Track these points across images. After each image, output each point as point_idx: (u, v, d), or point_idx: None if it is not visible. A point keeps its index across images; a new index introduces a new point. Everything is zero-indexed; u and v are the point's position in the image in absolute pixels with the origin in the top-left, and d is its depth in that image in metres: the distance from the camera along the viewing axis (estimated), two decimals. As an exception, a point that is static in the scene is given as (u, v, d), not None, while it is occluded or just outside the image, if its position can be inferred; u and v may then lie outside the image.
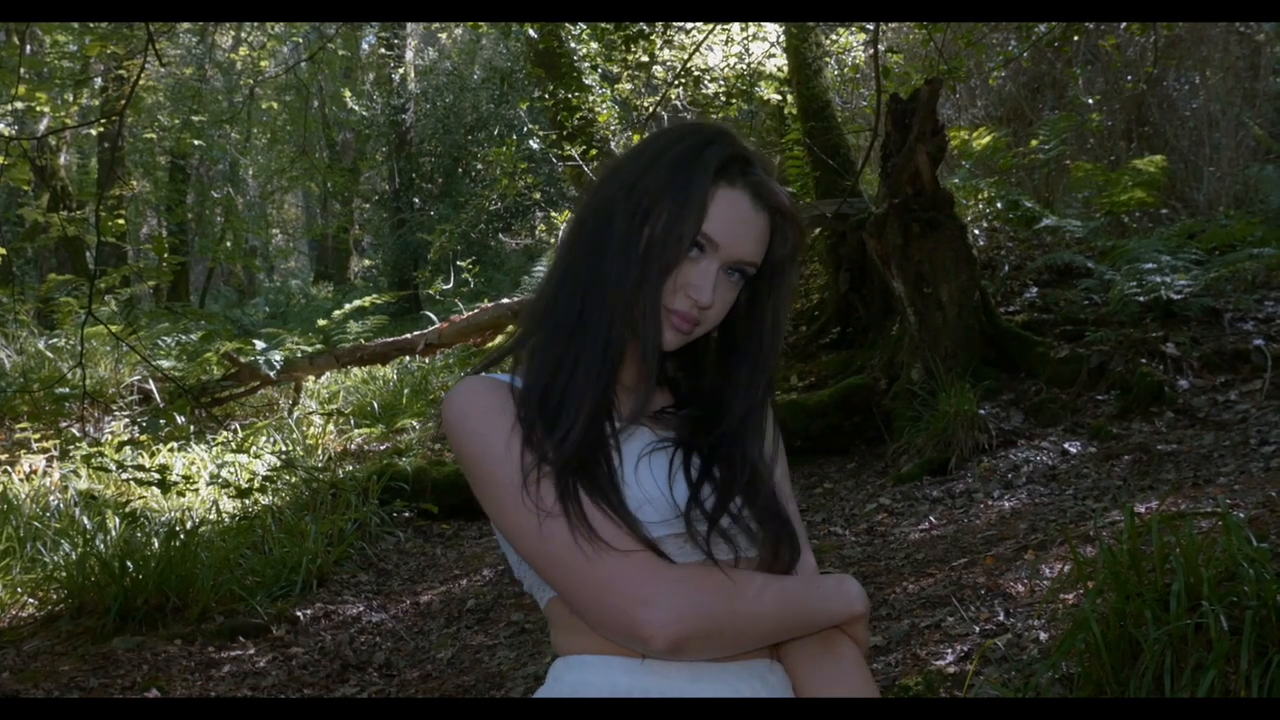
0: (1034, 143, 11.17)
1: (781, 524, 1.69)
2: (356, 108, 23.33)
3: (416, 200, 22.28)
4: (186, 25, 18.13)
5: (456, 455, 1.72)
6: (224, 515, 7.86)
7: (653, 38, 11.87)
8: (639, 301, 1.65)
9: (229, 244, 22.82)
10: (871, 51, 10.30)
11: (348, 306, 14.51)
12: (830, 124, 10.76)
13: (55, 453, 9.46)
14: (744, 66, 12.02)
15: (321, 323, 14.48)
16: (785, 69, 11.57)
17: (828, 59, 11.89)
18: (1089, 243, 9.25)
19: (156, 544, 6.63)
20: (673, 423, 1.75)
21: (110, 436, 9.86)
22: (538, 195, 18.27)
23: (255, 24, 18.01)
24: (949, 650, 4.08)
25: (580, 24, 11.76)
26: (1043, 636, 3.90)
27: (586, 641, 1.67)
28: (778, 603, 1.63)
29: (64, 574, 6.46)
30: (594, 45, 12.04)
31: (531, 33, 11.51)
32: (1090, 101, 12.19)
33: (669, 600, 1.55)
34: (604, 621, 1.59)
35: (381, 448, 10.43)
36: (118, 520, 7.30)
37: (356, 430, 10.98)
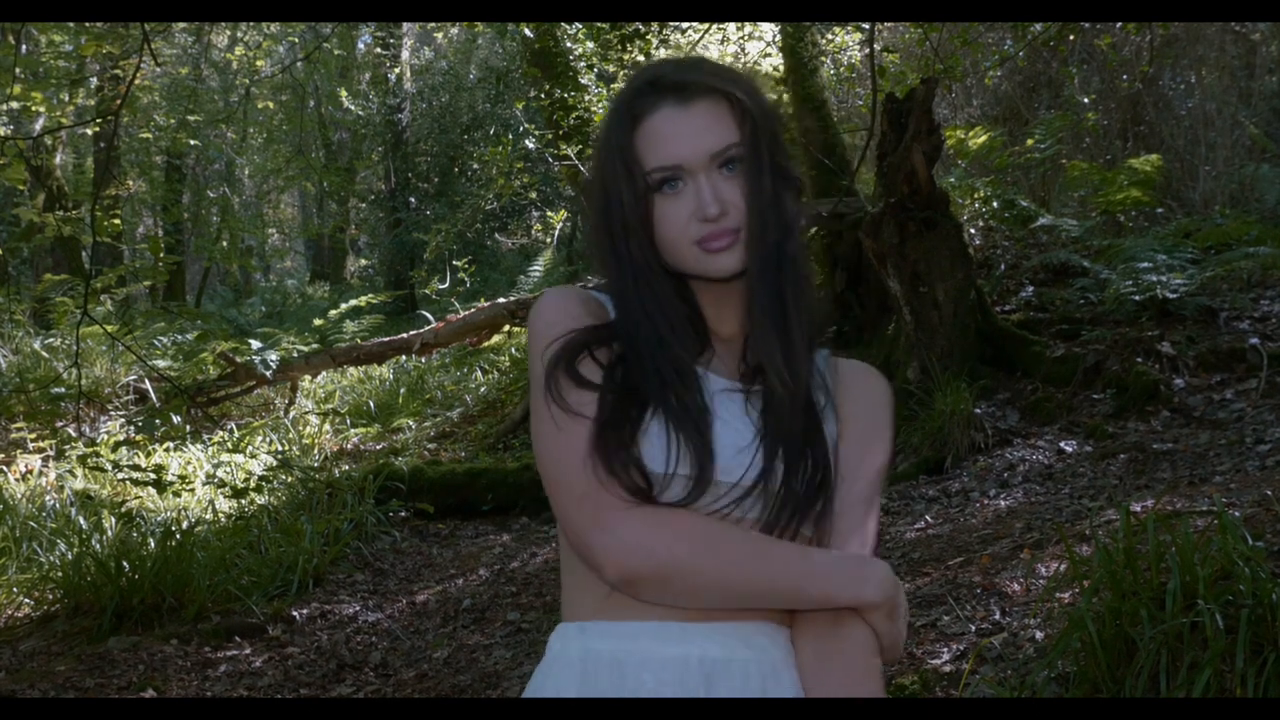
0: (1030, 142, 11.18)
1: (796, 499, 1.63)
2: (352, 107, 23.30)
3: (412, 200, 22.26)
4: (182, 25, 18.11)
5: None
6: (220, 515, 7.86)
7: (649, 37, 11.86)
8: (648, 280, 1.65)
9: (225, 244, 22.78)
10: (867, 51, 10.32)
11: (344, 306, 14.49)
12: (826, 123, 10.77)
13: (51, 453, 9.45)
14: (740, 66, 12.02)
15: (317, 322, 14.47)
16: (781, 68, 11.58)
17: (823, 58, 11.89)
18: (1085, 242, 9.26)
19: (152, 544, 6.62)
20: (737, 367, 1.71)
21: (106, 436, 9.84)
22: (534, 195, 18.28)
23: (251, 24, 18.01)
24: (945, 649, 4.08)
25: (576, 24, 11.75)
26: (1038, 635, 3.90)
27: (574, 608, 1.70)
28: (760, 567, 1.58)
29: (60, 574, 6.45)
30: (590, 45, 12.04)
31: (527, 32, 11.50)
32: (1086, 101, 12.20)
33: (626, 533, 1.54)
34: (568, 538, 1.62)
35: (377, 447, 10.43)
36: (113, 520, 7.30)
37: (352, 430, 10.98)
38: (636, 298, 1.66)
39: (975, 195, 10.06)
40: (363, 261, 27.35)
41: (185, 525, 7.14)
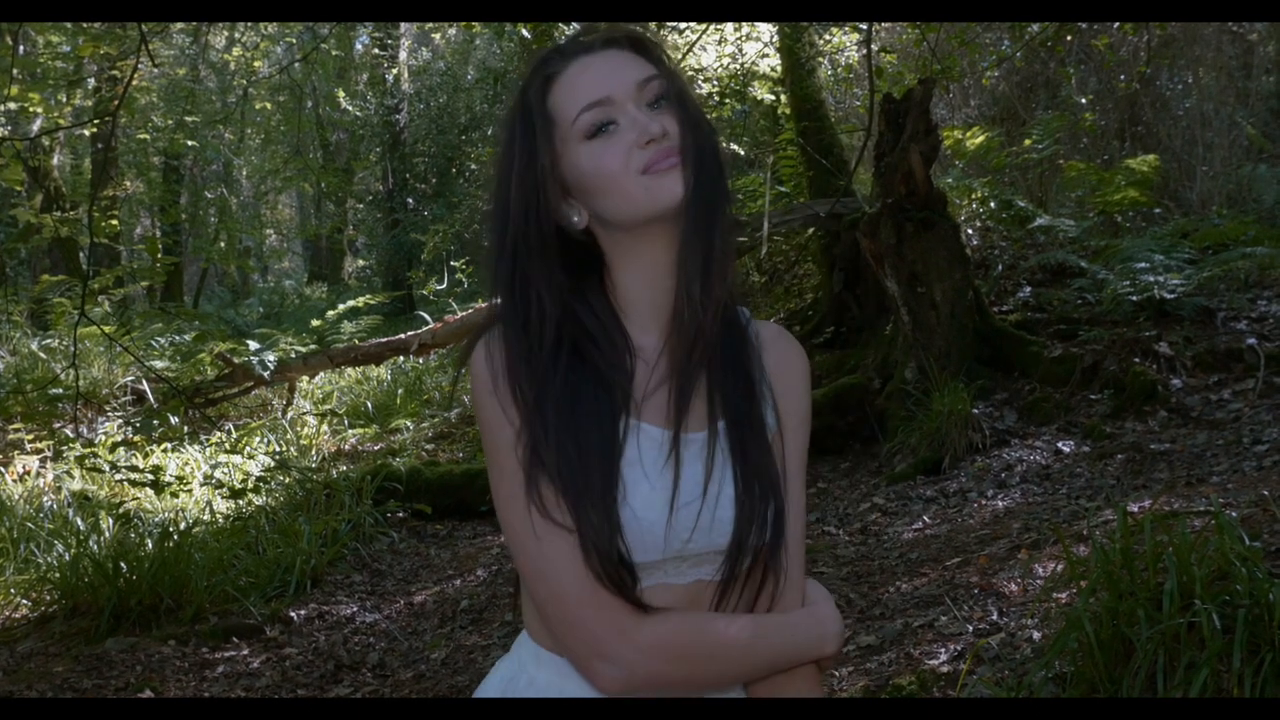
0: (1027, 142, 11.18)
1: (773, 535, 1.63)
2: (350, 108, 23.31)
3: (410, 200, 22.27)
4: (180, 25, 18.11)
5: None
6: (218, 516, 7.86)
7: (646, 38, 11.85)
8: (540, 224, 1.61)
9: (223, 244, 22.77)
10: (865, 51, 10.32)
11: (342, 307, 14.49)
12: (824, 124, 10.78)
13: (49, 454, 9.44)
14: (737, 67, 12.04)
15: (315, 323, 14.46)
16: (779, 69, 11.59)
17: (821, 59, 11.90)
18: (1082, 242, 9.26)
19: (150, 545, 6.62)
20: (665, 399, 1.64)
21: (104, 437, 9.84)
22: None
23: (249, 24, 18.00)
24: (942, 650, 4.08)
25: (574, 24, 11.76)
26: (1036, 636, 3.91)
27: (548, 635, 1.65)
28: (745, 657, 1.60)
29: (57, 575, 6.45)
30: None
31: (525, 33, 11.50)
32: (1083, 101, 12.21)
33: (627, 663, 1.54)
34: (565, 651, 1.60)
35: (375, 448, 10.43)
36: (111, 521, 7.29)
37: (350, 430, 10.98)
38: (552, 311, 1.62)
39: (973, 195, 10.06)
40: (360, 262, 27.36)
41: (183, 526, 7.14)
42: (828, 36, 12.28)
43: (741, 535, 1.59)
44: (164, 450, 9.59)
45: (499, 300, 1.65)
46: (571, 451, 1.56)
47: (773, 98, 12.05)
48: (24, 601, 6.54)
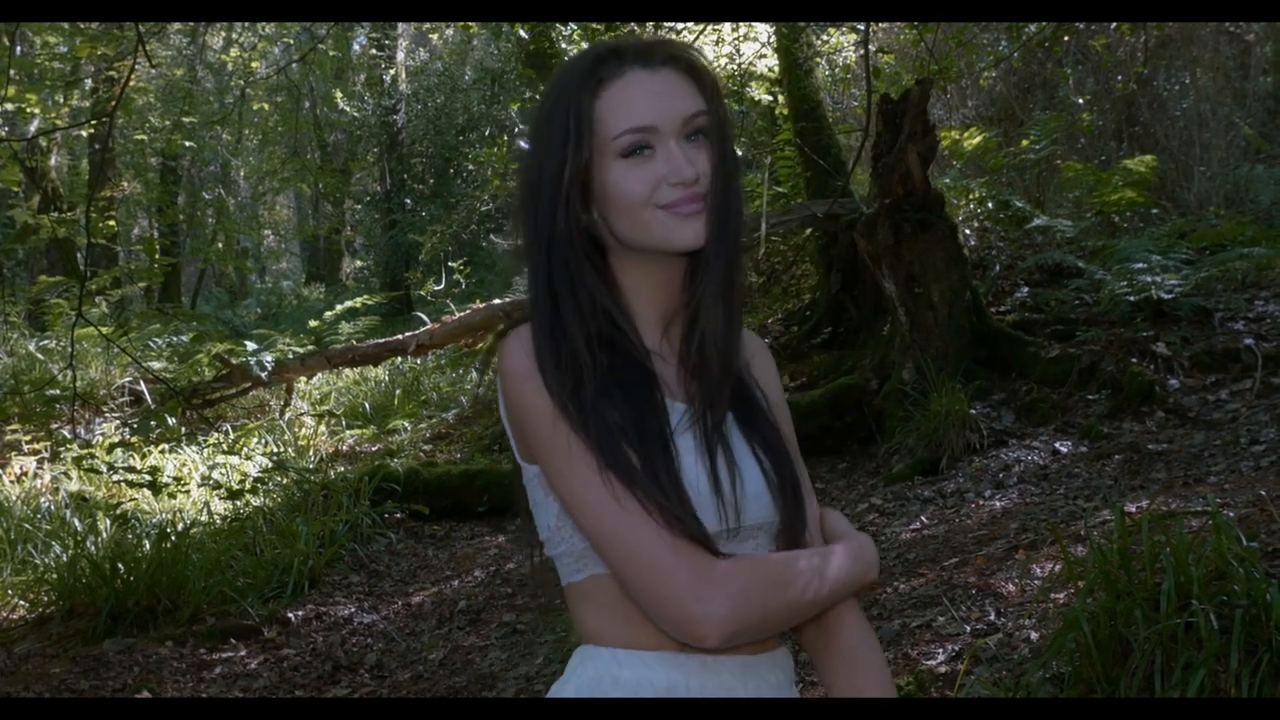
0: (1025, 143, 11.18)
1: (798, 506, 1.69)
2: (348, 109, 23.31)
3: (408, 201, 22.27)
4: (177, 26, 18.11)
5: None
6: (215, 517, 7.86)
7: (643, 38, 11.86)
8: (571, 234, 1.64)
9: (220, 245, 22.79)
10: (862, 52, 10.32)
11: (339, 307, 14.49)
12: (821, 124, 10.77)
13: (46, 455, 9.44)
14: (735, 67, 12.03)
15: (313, 324, 14.46)
16: (776, 69, 11.59)
17: (818, 59, 11.90)
18: (1080, 242, 9.26)
19: (148, 546, 6.62)
20: (686, 382, 1.70)
21: (101, 438, 9.84)
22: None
23: (246, 25, 18.00)
24: (940, 650, 4.08)
25: (571, 24, 11.76)
26: (1033, 636, 3.91)
27: (623, 632, 1.65)
28: (825, 586, 1.63)
29: (55, 576, 6.45)
30: (585, 46, 12.04)
31: (522, 33, 11.51)
32: (1081, 101, 12.22)
33: (724, 600, 1.54)
34: (659, 613, 1.57)
35: (373, 449, 10.42)
36: (109, 522, 7.30)
37: (348, 431, 10.97)
38: (567, 287, 1.65)
39: (970, 196, 10.06)
40: (358, 263, 27.34)
41: (180, 527, 7.14)
42: (825, 37, 12.28)
43: (782, 510, 1.67)
44: (161, 451, 9.58)
45: (534, 293, 1.67)
46: (629, 422, 1.59)
47: (770, 98, 12.05)
48: (21, 602, 6.55)
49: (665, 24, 11.55)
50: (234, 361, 11.14)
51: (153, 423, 10.51)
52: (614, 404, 1.60)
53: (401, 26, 22.55)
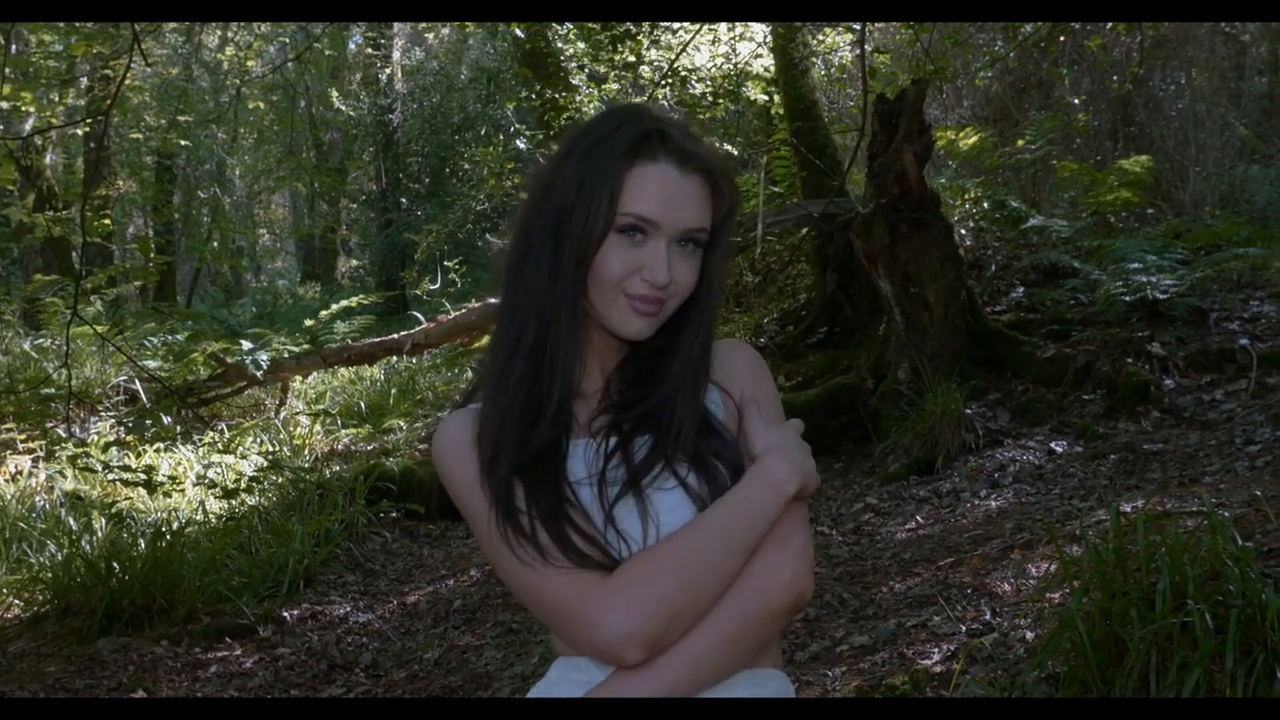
0: (1020, 143, 11.19)
1: (711, 473, 1.70)
2: (343, 108, 23.29)
3: (404, 200, 22.26)
4: (173, 25, 18.09)
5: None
6: (210, 516, 7.84)
7: (639, 38, 11.87)
8: (560, 301, 1.69)
9: (215, 244, 22.78)
10: (858, 52, 10.32)
11: (335, 307, 14.47)
12: (817, 124, 10.77)
13: (41, 453, 9.44)
14: (731, 67, 12.03)
15: (308, 323, 14.44)
16: (772, 69, 11.58)
17: (814, 59, 11.90)
18: (1075, 243, 9.27)
19: (143, 545, 6.61)
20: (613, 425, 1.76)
21: (96, 437, 9.83)
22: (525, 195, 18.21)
23: (242, 24, 17.98)
24: (935, 650, 4.08)
25: (567, 24, 11.75)
26: (1029, 636, 3.91)
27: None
28: (721, 546, 1.63)
29: (50, 575, 6.44)
30: (581, 45, 12.04)
31: (518, 33, 11.49)
32: (1076, 102, 12.22)
33: (620, 615, 1.58)
34: (580, 647, 1.64)
35: (368, 448, 10.42)
36: (104, 521, 7.29)
37: (343, 430, 10.97)
38: (550, 330, 1.71)
39: (966, 196, 10.07)
40: (354, 262, 27.32)
41: (175, 526, 7.13)
42: (821, 37, 12.28)
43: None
44: (157, 450, 9.57)
45: (512, 345, 1.74)
46: (528, 477, 1.68)
47: (766, 98, 12.04)
48: (16, 601, 6.54)
49: (661, 24, 11.57)
50: (229, 360, 11.13)
51: (148, 421, 10.50)
52: (523, 462, 1.68)
53: (397, 26, 22.53)
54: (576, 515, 1.64)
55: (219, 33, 21.62)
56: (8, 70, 8.87)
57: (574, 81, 11.96)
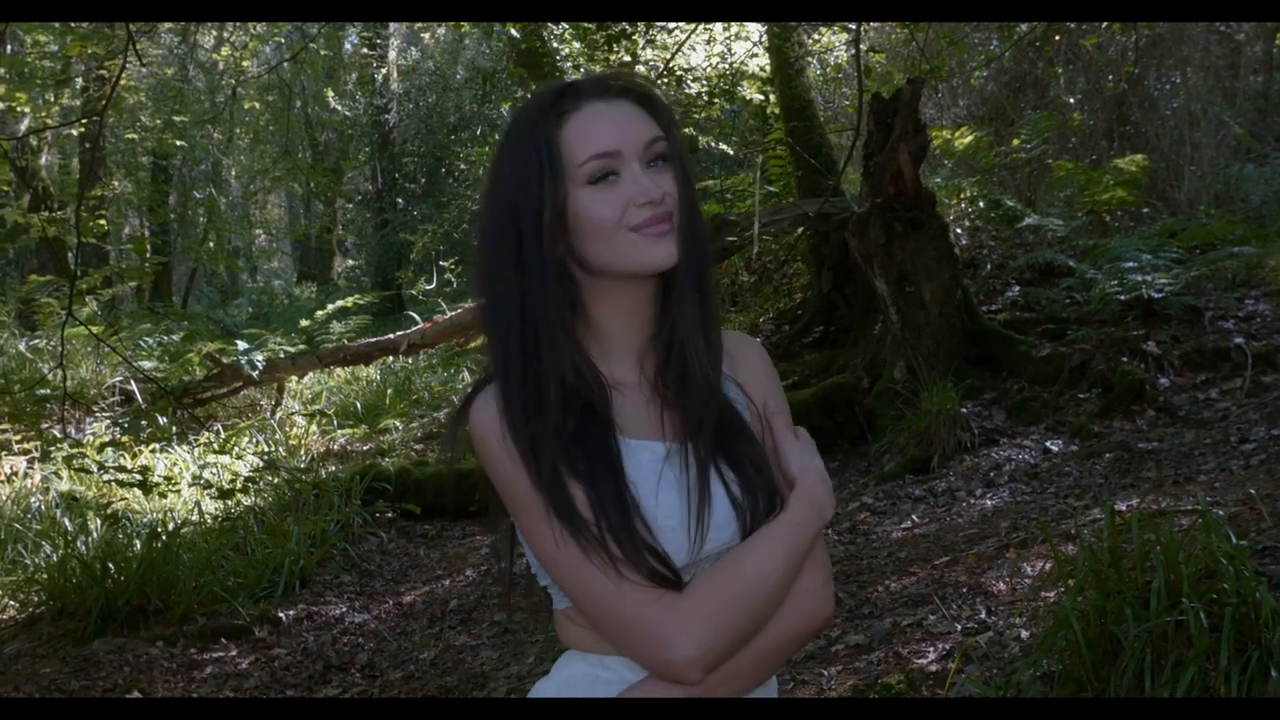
0: (1016, 142, 11.19)
1: (756, 507, 1.70)
2: (339, 108, 23.29)
3: (400, 200, 22.25)
4: (168, 25, 18.07)
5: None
6: (206, 516, 7.84)
7: (635, 37, 11.87)
8: (540, 301, 1.67)
9: (211, 244, 22.76)
10: (854, 51, 10.32)
11: (331, 307, 14.46)
12: (813, 123, 10.77)
13: (36, 454, 9.42)
14: (726, 66, 12.04)
15: (304, 323, 14.42)
16: (767, 68, 11.59)
17: (810, 59, 11.90)
18: (1071, 242, 9.28)
19: (138, 545, 6.60)
20: (664, 415, 1.73)
21: (92, 438, 9.82)
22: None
23: (237, 24, 17.96)
24: (931, 648, 4.09)
25: (563, 24, 11.75)
26: (1024, 634, 3.91)
27: (607, 643, 1.70)
28: (778, 572, 1.64)
29: (45, 576, 6.44)
30: (577, 45, 12.04)
31: (514, 32, 11.50)
32: (1072, 101, 12.22)
33: (691, 639, 1.58)
34: (638, 661, 1.64)
35: (364, 448, 10.41)
36: (99, 522, 7.28)
37: (339, 431, 10.96)
38: (543, 321, 1.68)
39: (961, 195, 10.07)
40: (350, 262, 27.33)
41: (171, 527, 7.12)
42: (816, 36, 12.29)
43: (745, 524, 1.69)
44: (152, 451, 9.56)
45: (503, 341, 1.71)
46: (587, 477, 1.64)
47: (762, 97, 12.06)
48: (11, 602, 6.53)
49: (656, 24, 11.57)
50: (225, 361, 11.12)
51: (143, 422, 10.49)
52: (573, 459, 1.65)
53: (393, 25, 22.53)
54: (643, 530, 1.62)
55: (214, 33, 21.61)
56: (3, 70, 8.86)
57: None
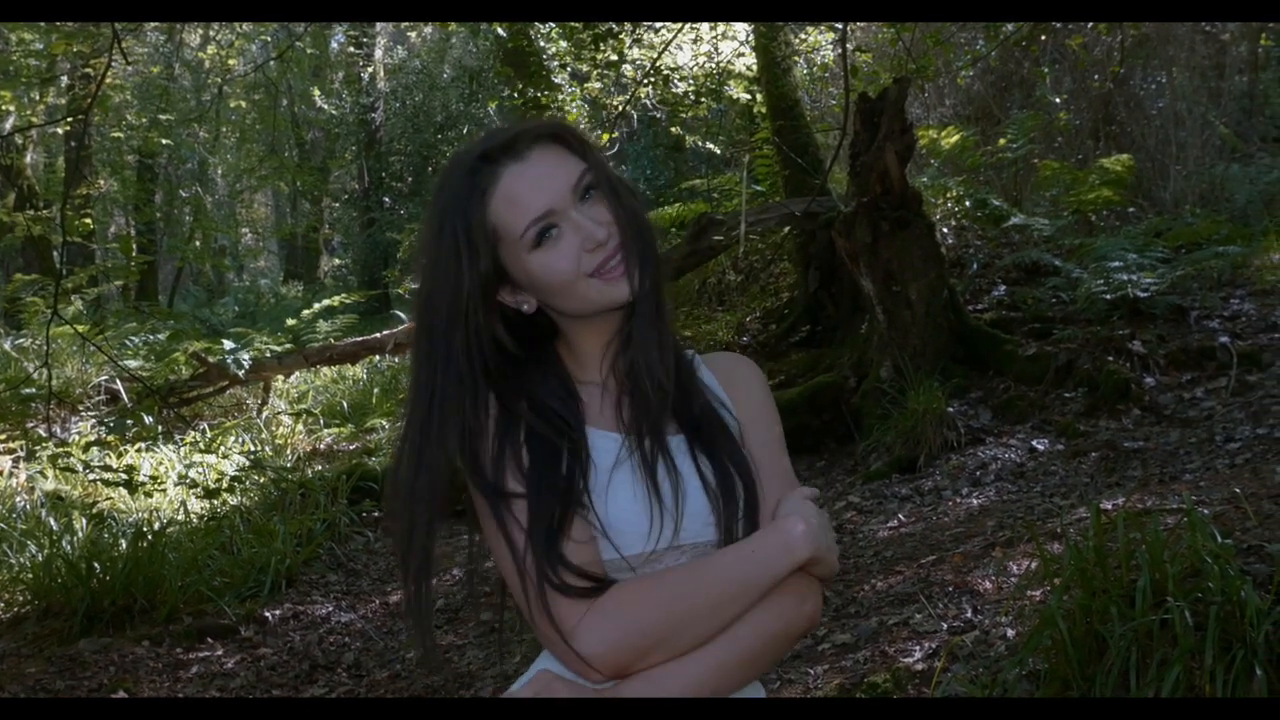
0: (1002, 141, 11.21)
1: (733, 501, 1.74)
2: (325, 106, 23.24)
3: (386, 199, 22.23)
4: (154, 24, 18.02)
5: None
6: (192, 516, 7.82)
7: (622, 37, 11.86)
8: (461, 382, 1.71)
9: (197, 243, 22.71)
10: (840, 51, 10.33)
11: (317, 306, 14.45)
12: (799, 123, 10.78)
13: (21, 453, 9.39)
14: (713, 65, 12.04)
15: (291, 322, 14.41)
16: (754, 68, 11.60)
17: (797, 58, 11.92)
18: (1056, 241, 9.30)
19: (124, 545, 6.59)
20: (624, 408, 1.79)
21: (77, 437, 9.79)
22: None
23: (223, 23, 17.92)
24: (917, 647, 4.09)
25: (549, 23, 11.74)
26: (1010, 633, 3.92)
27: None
28: (714, 592, 1.64)
29: (30, 575, 6.42)
30: (563, 44, 12.03)
31: (501, 32, 11.48)
32: (1058, 100, 12.25)
33: (595, 633, 1.61)
34: (550, 651, 1.69)
35: (351, 447, 10.40)
36: (84, 521, 7.25)
37: (326, 430, 10.95)
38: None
39: (948, 195, 10.09)
40: (336, 261, 27.28)
41: (157, 526, 7.10)
42: (803, 36, 12.30)
43: (721, 517, 1.72)
44: (138, 450, 9.54)
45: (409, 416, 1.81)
46: (535, 482, 1.71)
47: (748, 97, 12.06)
48: (-4, 602, 6.51)
49: (643, 24, 11.56)
50: (211, 360, 11.10)
51: (129, 421, 10.47)
52: (528, 469, 1.71)
53: (379, 25, 22.49)
54: (583, 547, 1.67)
55: (200, 31, 21.53)
56: (-13, 69, 8.83)
57: (556, 80, 11.97)
